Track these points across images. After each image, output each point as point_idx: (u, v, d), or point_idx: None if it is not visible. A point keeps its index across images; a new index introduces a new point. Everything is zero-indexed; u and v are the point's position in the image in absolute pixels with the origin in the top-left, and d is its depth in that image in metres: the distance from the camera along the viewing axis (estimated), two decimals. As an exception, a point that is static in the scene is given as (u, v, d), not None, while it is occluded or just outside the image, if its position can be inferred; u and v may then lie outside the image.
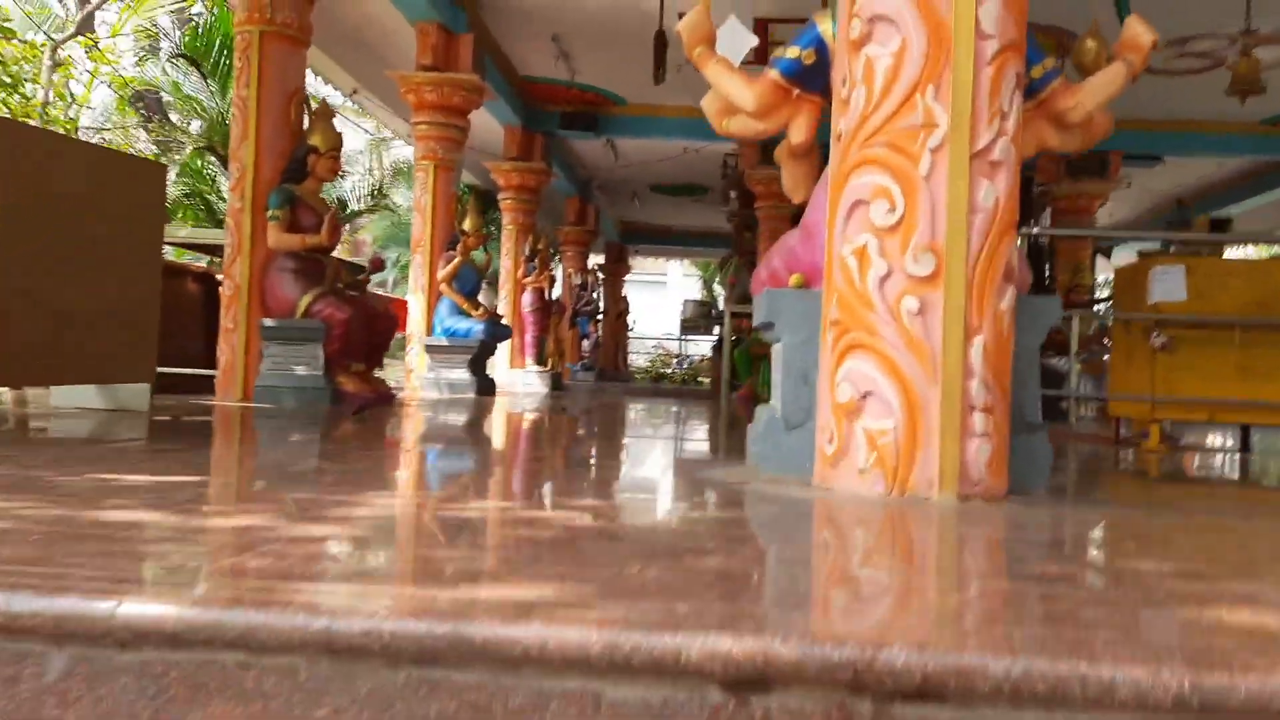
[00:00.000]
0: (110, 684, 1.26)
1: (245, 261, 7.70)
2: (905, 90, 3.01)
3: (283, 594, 1.37)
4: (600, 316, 23.29)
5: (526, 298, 15.63)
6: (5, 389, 6.39)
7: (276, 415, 6.58)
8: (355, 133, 22.85)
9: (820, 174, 3.85)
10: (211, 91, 13.89)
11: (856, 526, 2.54)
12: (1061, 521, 2.81)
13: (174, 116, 15.93)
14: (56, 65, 11.84)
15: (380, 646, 1.23)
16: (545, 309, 15.79)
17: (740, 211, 18.31)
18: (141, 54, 16.16)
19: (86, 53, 12.16)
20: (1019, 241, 3.20)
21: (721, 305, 31.04)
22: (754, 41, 3.84)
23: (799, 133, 3.58)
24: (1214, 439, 7.82)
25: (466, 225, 11.80)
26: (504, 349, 14.91)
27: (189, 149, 14.21)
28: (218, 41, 13.43)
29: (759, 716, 1.20)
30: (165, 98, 15.47)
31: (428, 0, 10.53)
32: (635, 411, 10.49)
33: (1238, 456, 6.80)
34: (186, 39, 14.29)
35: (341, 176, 20.67)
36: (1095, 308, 13.86)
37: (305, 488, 2.74)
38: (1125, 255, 23.48)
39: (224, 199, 12.51)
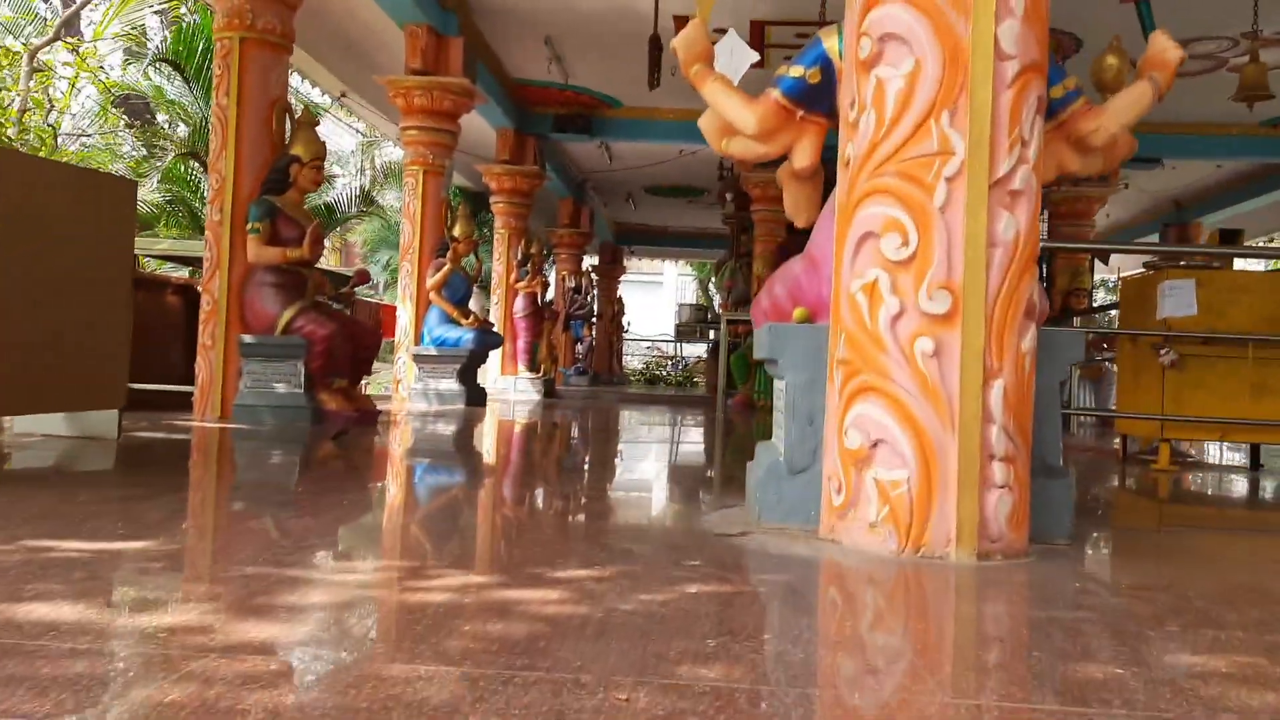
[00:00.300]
0: None
1: (224, 276, 7.45)
2: (919, 115, 2.78)
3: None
4: (595, 319, 23.04)
5: (519, 303, 15.39)
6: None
7: (253, 438, 6.34)
8: (346, 133, 22.61)
9: (825, 195, 3.63)
10: (195, 96, 13.62)
11: (871, 608, 2.32)
12: (1093, 591, 2.58)
13: (161, 118, 15.66)
14: (35, 71, 11.56)
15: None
16: (538, 314, 15.55)
17: (736, 214, 18.09)
18: (127, 56, 15.88)
19: (66, 62, 11.87)
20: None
21: (717, 307, 30.90)
22: (754, 58, 3.59)
23: (803, 156, 3.34)
24: (1222, 455, 7.59)
25: (456, 231, 11.56)
26: (496, 354, 14.67)
27: (171, 155, 13.91)
28: (201, 45, 13.15)
29: None
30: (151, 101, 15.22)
31: (417, 3, 10.28)
32: (628, 424, 10.27)
33: (1252, 476, 6.58)
34: (170, 43, 14.01)
35: (330, 181, 20.45)
36: (1095, 313, 13.67)
37: (262, 556, 2.50)
38: (1120, 258, 23.33)
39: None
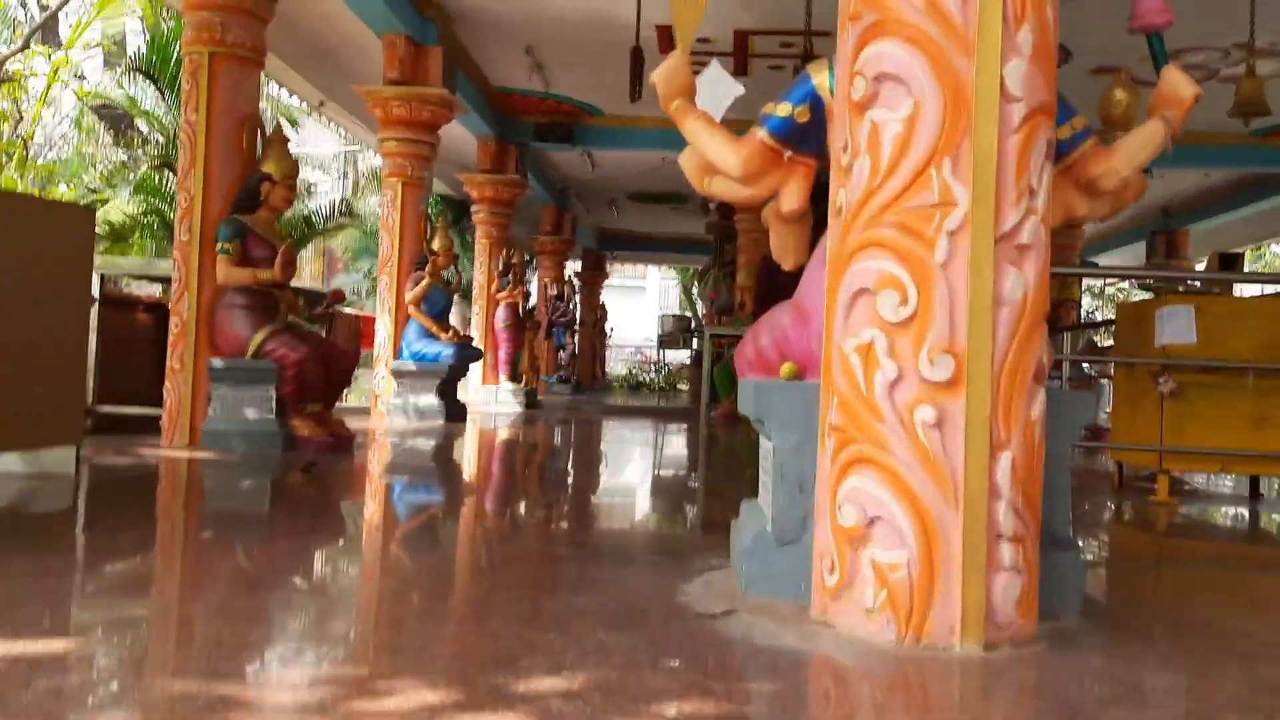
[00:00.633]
0: None
1: (192, 297, 7.20)
2: (918, 163, 2.56)
3: None
4: (578, 327, 22.82)
5: (500, 313, 15.16)
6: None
7: (219, 472, 6.11)
8: (328, 135, 22.33)
9: (814, 235, 3.42)
10: (169, 106, 13.34)
11: None
12: (1112, 690, 2.36)
13: (143, 126, 15.37)
14: (2, 81, 11.26)
15: None
16: (519, 324, 15.33)
17: (720, 222, 17.91)
18: (108, 64, 15.58)
19: (34, 72, 11.58)
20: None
21: (700, 314, 30.74)
22: (739, 91, 3.38)
23: (792, 200, 3.13)
24: (1220, 482, 7.41)
25: (435, 244, 11.35)
26: (477, 365, 14.43)
27: (144, 168, 13.63)
28: (175, 54, 12.88)
29: None
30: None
31: (395, 12, 10.04)
32: (609, 442, 10.06)
33: (1253, 509, 6.41)
34: (144, 52, 13.71)
35: (308, 191, 20.18)
36: (1084, 328, 13.50)
37: (195, 664, 2.27)
38: (1110, 259, 23.23)
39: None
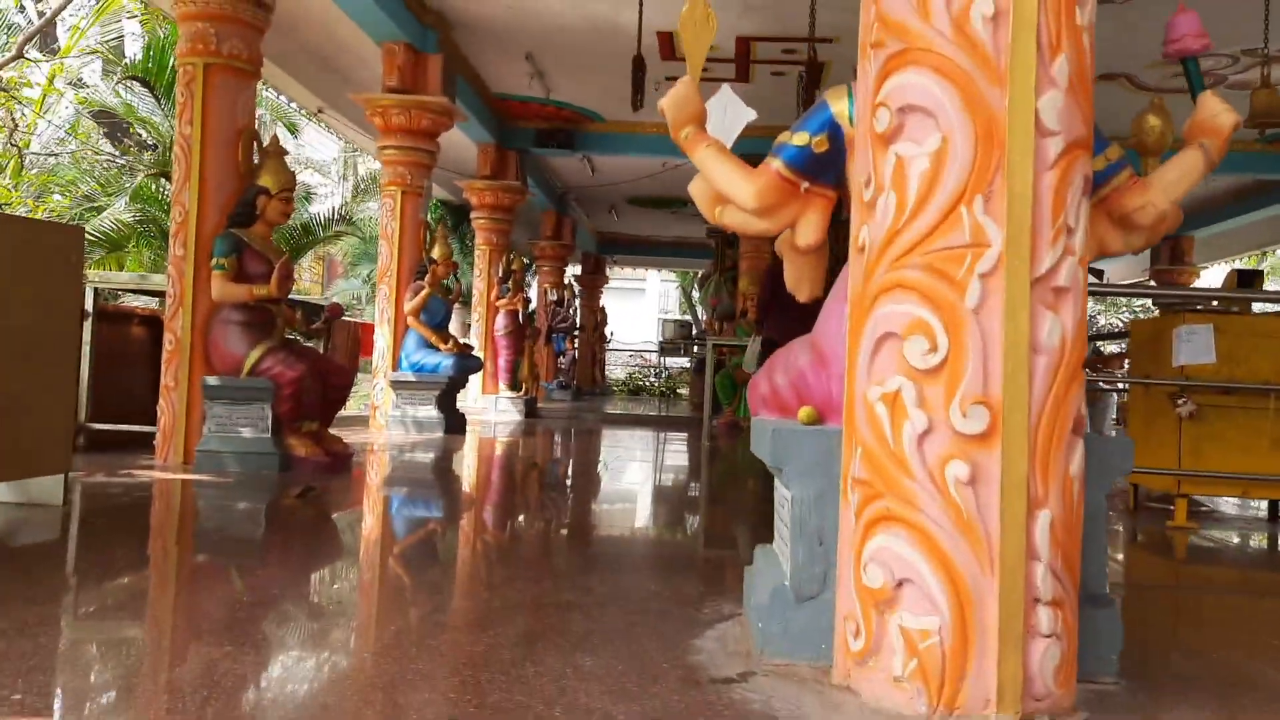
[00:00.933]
0: None
1: (187, 314, 7.05)
2: (947, 201, 2.41)
3: None
4: (577, 332, 22.65)
5: (500, 320, 15.01)
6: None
7: (214, 494, 5.96)
8: (327, 139, 22.17)
9: (830, 264, 3.26)
10: (165, 114, 13.17)
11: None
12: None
13: (140, 132, 15.20)
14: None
15: None
16: (519, 332, 15.18)
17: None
18: (106, 70, 15.40)
19: (28, 82, 11.40)
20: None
21: (700, 317, 30.58)
22: (751, 116, 3.22)
23: (809, 233, 2.97)
24: (1237, 504, 7.24)
25: (435, 253, 11.20)
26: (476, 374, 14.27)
27: (141, 176, 13.45)
28: (171, 61, 12.72)
29: None
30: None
31: (395, 20, 9.90)
32: (609, 457, 9.90)
33: (1273, 531, 6.26)
34: (140, 59, 13.54)
35: (307, 198, 20.01)
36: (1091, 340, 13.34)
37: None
38: (1112, 266, 23.04)
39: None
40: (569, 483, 8.03)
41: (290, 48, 11.20)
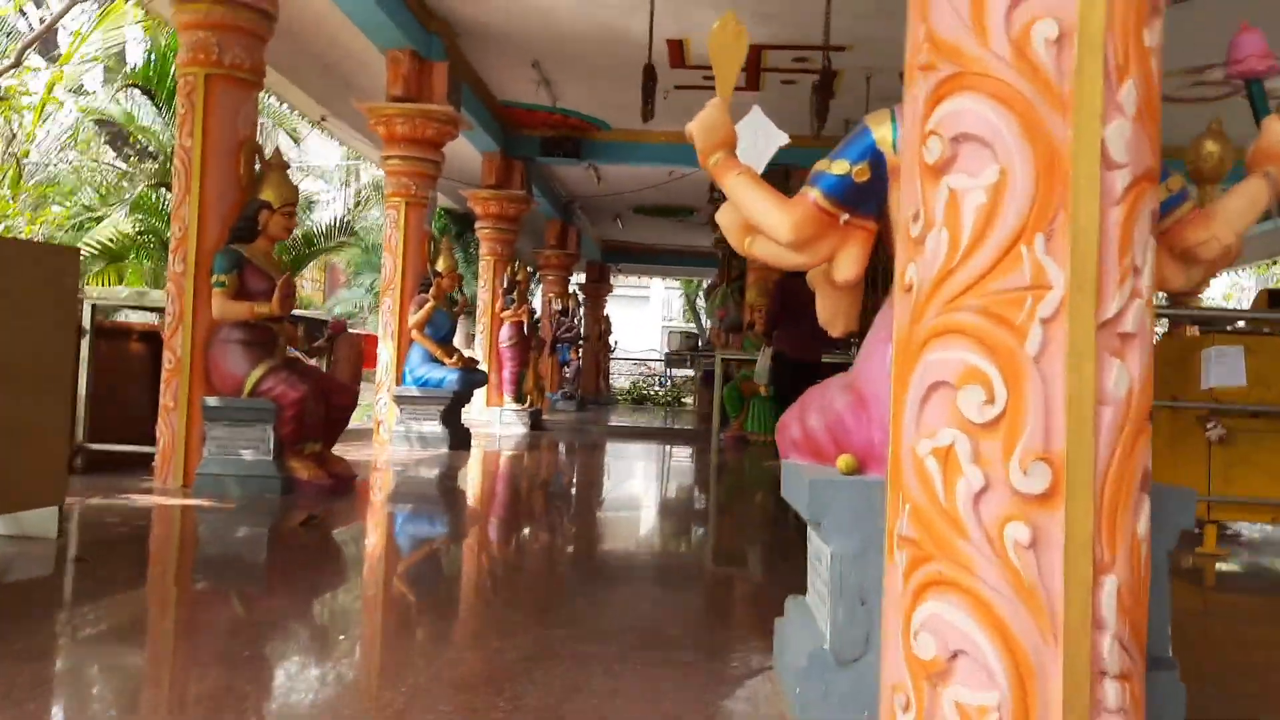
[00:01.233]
0: None
1: (187, 332, 6.85)
2: (1006, 239, 2.21)
3: None
4: (582, 342, 22.48)
5: (505, 332, 14.82)
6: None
7: (215, 521, 5.78)
8: (331, 146, 22.01)
9: (866, 298, 3.07)
10: (166, 123, 13.01)
11: None
12: None
13: (141, 141, 15.04)
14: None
15: None
16: (524, 343, 14.98)
17: (728, 238, 17.56)
18: (107, 77, 15.23)
19: (25, 91, 11.22)
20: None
21: (705, 325, 30.42)
22: (783, 140, 3.04)
23: (849, 268, 2.77)
24: (1266, 528, 7.05)
25: (440, 265, 11.01)
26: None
27: (141, 186, 13.29)
28: (173, 69, 12.56)
29: None
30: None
31: (400, 27, 9.74)
32: (613, 474, 9.72)
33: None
34: (140, 67, 13.39)
35: (310, 207, 19.84)
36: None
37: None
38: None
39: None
40: (573, 506, 7.86)
41: (292, 54, 11.03)
